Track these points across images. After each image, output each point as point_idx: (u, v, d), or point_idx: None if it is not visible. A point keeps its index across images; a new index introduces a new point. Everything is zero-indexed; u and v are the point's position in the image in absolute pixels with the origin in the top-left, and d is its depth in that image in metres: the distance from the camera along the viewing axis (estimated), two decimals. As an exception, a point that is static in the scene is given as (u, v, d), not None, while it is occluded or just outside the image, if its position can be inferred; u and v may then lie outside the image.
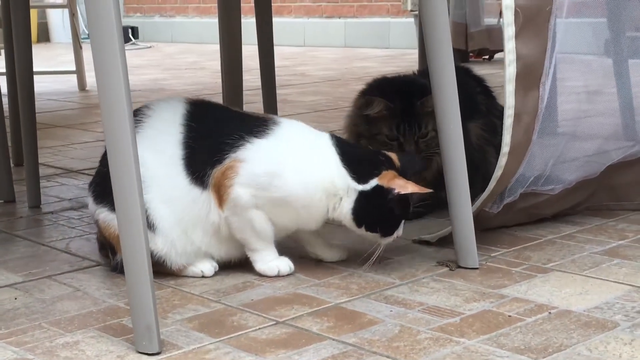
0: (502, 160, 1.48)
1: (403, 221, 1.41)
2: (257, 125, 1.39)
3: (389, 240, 1.41)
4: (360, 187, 1.37)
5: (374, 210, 1.38)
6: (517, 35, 1.42)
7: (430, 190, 1.40)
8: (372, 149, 1.48)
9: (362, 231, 1.40)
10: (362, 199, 1.38)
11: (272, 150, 1.37)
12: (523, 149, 1.51)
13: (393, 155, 1.43)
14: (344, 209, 1.38)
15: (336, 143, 1.41)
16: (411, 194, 1.38)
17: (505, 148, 1.47)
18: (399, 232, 1.42)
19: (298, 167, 1.37)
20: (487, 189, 1.50)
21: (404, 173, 1.40)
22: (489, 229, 1.59)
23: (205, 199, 1.37)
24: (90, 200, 1.43)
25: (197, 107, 1.41)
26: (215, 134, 1.38)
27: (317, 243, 1.48)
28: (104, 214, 1.39)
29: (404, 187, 1.36)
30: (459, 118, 1.43)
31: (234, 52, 2.09)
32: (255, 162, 1.36)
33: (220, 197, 1.37)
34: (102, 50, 1.13)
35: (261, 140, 1.38)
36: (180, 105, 1.41)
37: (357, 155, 1.42)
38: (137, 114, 1.40)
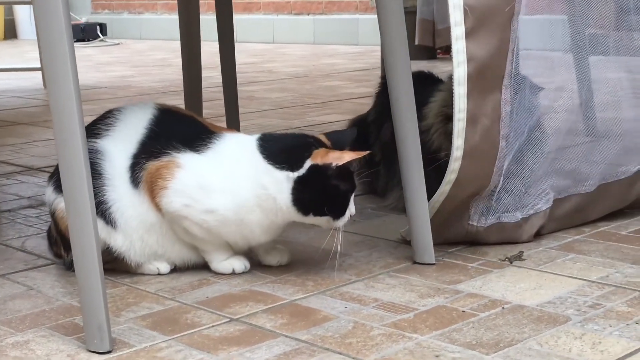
0: (455, 164, 1.43)
1: (353, 197, 1.37)
2: (203, 139, 1.37)
3: (344, 221, 1.35)
4: (296, 174, 1.32)
5: (318, 192, 1.33)
6: (469, 36, 1.38)
7: (368, 152, 1.35)
8: (298, 134, 1.41)
9: (312, 219, 1.35)
10: (301, 184, 1.32)
11: (205, 168, 1.34)
12: (485, 154, 1.46)
13: (320, 136, 1.39)
14: (284, 205, 1.33)
15: (261, 143, 1.36)
16: (350, 163, 1.33)
17: (458, 152, 1.42)
18: (352, 209, 1.37)
19: (225, 187, 1.33)
20: (439, 190, 1.45)
21: (338, 148, 1.36)
22: (487, 243, 1.53)
23: (143, 198, 1.36)
24: (49, 191, 1.41)
25: (162, 113, 1.41)
26: (164, 138, 1.37)
27: (259, 246, 1.44)
28: (63, 204, 1.37)
29: (340, 157, 1.32)
30: (415, 115, 1.43)
31: (193, 49, 2.09)
32: (191, 173, 1.34)
33: (153, 196, 1.35)
34: (50, 48, 1.12)
35: (199, 155, 1.35)
36: (149, 110, 1.41)
37: (282, 145, 1.36)
38: (109, 116, 1.41)
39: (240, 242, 1.39)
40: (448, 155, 1.61)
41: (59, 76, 1.12)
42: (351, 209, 1.37)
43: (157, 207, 1.35)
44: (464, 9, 1.37)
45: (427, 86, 1.78)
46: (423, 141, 1.59)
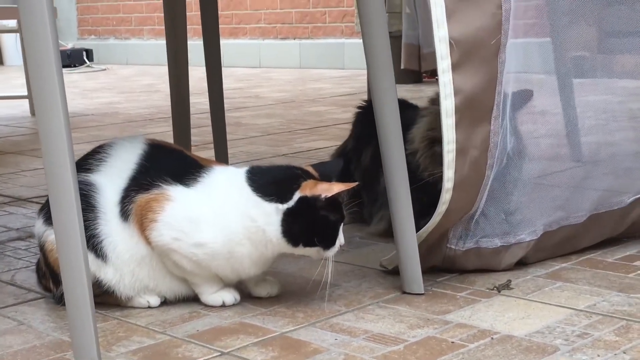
0: (446, 195, 1.43)
1: (342, 228, 1.38)
2: (192, 173, 1.38)
3: (334, 251, 1.36)
4: (285, 206, 1.34)
5: (307, 223, 1.34)
6: (455, 69, 1.40)
7: (357, 183, 1.37)
8: (286, 166, 1.43)
9: (301, 250, 1.36)
10: (290, 216, 1.34)
11: (195, 202, 1.35)
12: (473, 184, 1.47)
13: (308, 167, 1.41)
14: (273, 237, 1.34)
15: (249, 175, 1.37)
16: (339, 195, 1.34)
17: (449, 183, 1.43)
18: (341, 240, 1.38)
19: (214, 220, 1.34)
20: (430, 222, 1.46)
21: (326, 179, 1.38)
22: (465, 270, 1.54)
23: (133, 231, 1.37)
24: (39, 223, 1.42)
25: (152, 148, 1.42)
26: (153, 172, 1.38)
27: (249, 278, 1.44)
28: (53, 236, 1.38)
29: (329, 189, 1.33)
30: (401, 140, 1.45)
31: (180, 75, 2.10)
32: (181, 206, 1.35)
33: (143, 229, 1.36)
34: (39, 75, 1.12)
35: (188, 189, 1.36)
36: (139, 144, 1.42)
37: (270, 178, 1.37)
38: (101, 151, 1.43)
39: (230, 275, 1.39)
40: (431, 176, 1.63)
41: (48, 105, 1.12)
42: (341, 239, 1.38)
43: (147, 241, 1.36)
44: (450, 43, 1.38)
45: (402, 111, 1.79)
46: (409, 164, 1.61)
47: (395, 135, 1.44)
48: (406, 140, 1.66)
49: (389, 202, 1.46)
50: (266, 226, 1.34)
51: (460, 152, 1.43)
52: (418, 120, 1.73)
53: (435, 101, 1.70)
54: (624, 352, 1.18)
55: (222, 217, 1.35)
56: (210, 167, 1.41)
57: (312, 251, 1.37)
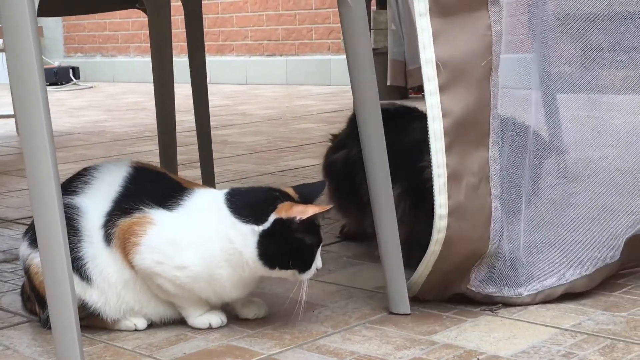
0: (441, 223, 1.39)
1: (319, 251, 1.38)
2: (174, 196, 1.38)
3: (310, 274, 1.36)
4: (260, 228, 1.33)
5: (282, 246, 1.34)
6: (443, 90, 1.38)
7: (331, 206, 1.35)
8: (265, 188, 1.42)
9: (278, 273, 1.36)
10: (266, 238, 1.33)
11: (176, 224, 1.36)
12: (475, 214, 1.41)
13: (288, 189, 1.41)
14: (250, 259, 1.34)
15: (228, 197, 1.37)
16: (315, 217, 1.34)
17: (442, 210, 1.39)
18: (318, 263, 1.37)
19: (194, 242, 1.35)
20: (428, 251, 1.41)
21: (307, 201, 1.38)
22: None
23: (116, 255, 1.37)
24: (24, 246, 1.42)
25: (136, 171, 1.43)
26: (137, 195, 1.38)
27: (234, 301, 1.44)
28: (39, 259, 1.38)
29: (304, 211, 1.33)
30: (386, 157, 1.45)
31: (166, 93, 2.10)
32: (163, 229, 1.36)
33: (126, 253, 1.36)
34: (23, 95, 1.12)
35: (170, 212, 1.37)
36: (124, 167, 1.43)
37: (248, 199, 1.37)
38: (86, 174, 1.43)
39: (213, 297, 1.40)
40: None
41: (32, 124, 1.12)
42: (317, 262, 1.38)
43: (130, 264, 1.36)
44: (437, 64, 1.38)
45: (415, 120, 1.78)
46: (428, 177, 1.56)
47: (378, 149, 1.44)
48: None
49: (374, 219, 1.47)
50: (243, 248, 1.34)
51: (453, 177, 1.39)
52: None
53: None
54: (609, 372, 1.19)
55: (202, 240, 1.35)
56: (192, 189, 1.41)
57: (288, 274, 1.37)
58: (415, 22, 1.40)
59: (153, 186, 1.41)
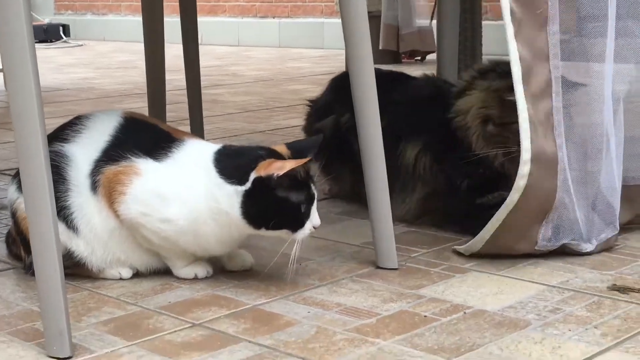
0: (525, 168, 1.37)
1: (314, 208, 1.34)
2: (163, 147, 1.36)
3: (303, 234, 1.32)
4: (243, 188, 1.31)
5: (265, 205, 1.31)
6: (517, 36, 1.39)
7: (309, 158, 1.30)
8: (253, 147, 1.39)
9: (268, 232, 1.33)
10: (248, 198, 1.31)
11: (164, 176, 1.34)
12: (549, 161, 1.40)
13: (280, 147, 1.37)
14: (236, 219, 1.31)
15: (216, 156, 1.34)
16: (295, 172, 1.29)
17: (527, 154, 1.37)
18: (314, 221, 1.33)
19: (181, 198, 1.32)
20: (508, 199, 1.39)
21: (300, 157, 1.33)
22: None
23: (102, 204, 1.35)
24: (12, 190, 1.40)
25: (128, 121, 1.41)
26: (126, 145, 1.36)
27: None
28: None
29: (282, 167, 1.28)
30: (378, 118, 1.44)
31: (156, 51, 2.08)
32: (150, 180, 1.33)
33: (111, 202, 1.34)
34: (10, 48, 1.11)
35: (159, 163, 1.34)
36: (115, 117, 1.41)
37: (234, 159, 1.34)
38: (77, 122, 1.41)
39: (199, 251, 1.38)
40: (486, 154, 1.58)
41: (18, 78, 1.11)
42: (313, 220, 1.33)
43: (115, 214, 1.34)
44: (511, 9, 1.39)
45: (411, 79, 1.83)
46: (456, 138, 1.61)
47: (371, 111, 1.43)
48: (457, 110, 1.64)
49: (364, 176, 1.45)
50: (229, 209, 1.32)
51: (531, 123, 1.39)
52: (462, 94, 1.66)
53: (484, 75, 1.66)
54: (595, 327, 1.18)
55: (189, 196, 1.33)
56: (182, 140, 1.39)
57: (280, 233, 1.33)
58: None
59: (143, 136, 1.39)
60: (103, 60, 5.86)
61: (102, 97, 3.89)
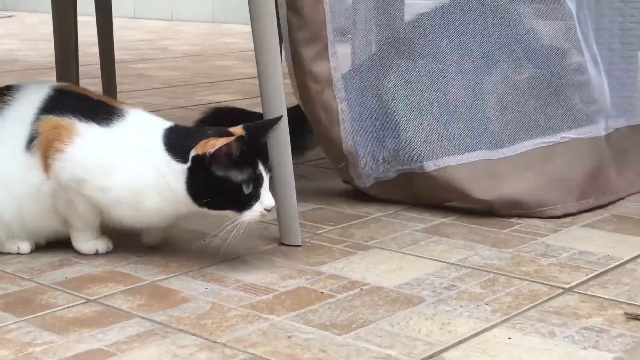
0: None
1: (264, 189, 1.29)
2: (105, 113, 1.34)
3: (249, 216, 1.28)
4: (185, 166, 1.30)
5: (207, 184, 1.29)
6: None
7: (234, 137, 1.27)
8: (208, 127, 1.38)
9: (212, 212, 1.30)
10: (190, 176, 1.29)
11: (107, 144, 1.32)
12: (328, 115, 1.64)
13: (236, 128, 1.33)
14: (184, 197, 1.30)
15: (167, 133, 1.33)
16: (229, 150, 1.26)
17: None
18: (266, 202, 1.29)
19: (126, 169, 1.31)
20: None
21: (255, 138, 1.31)
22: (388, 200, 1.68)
23: (36, 157, 1.32)
24: None
25: (58, 93, 1.37)
26: (62, 109, 1.34)
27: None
28: None
29: (214, 145, 1.26)
30: (283, 95, 1.44)
31: (66, 23, 2.04)
32: (92, 145, 1.32)
33: (46, 157, 1.31)
34: None
35: (102, 129, 1.33)
36: (45, 90, 1.37)
37: (183, 138, 1.32)
38: (6, 93, 1.38)
39: (137, 224, 1.36)
40: None
41: None
42: (265, 201, 1.29)
43: (47, 167, 1.32)
44: None
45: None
46: None
47: (277, 86, 1.43)
48: None
49: (269, 152, 1.45)
50: (176, 185, 1.30)
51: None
52: None
53: None
54: (487, 304, 1.20)
55: (134, 168, 1.31)
56: (124, 109, 1.36)
57: (226, 213, 1.30)
58: None
59: (82, 104, 1.36)
60: (31, 32, 5.74)
61: (25, 69, 3.81)
